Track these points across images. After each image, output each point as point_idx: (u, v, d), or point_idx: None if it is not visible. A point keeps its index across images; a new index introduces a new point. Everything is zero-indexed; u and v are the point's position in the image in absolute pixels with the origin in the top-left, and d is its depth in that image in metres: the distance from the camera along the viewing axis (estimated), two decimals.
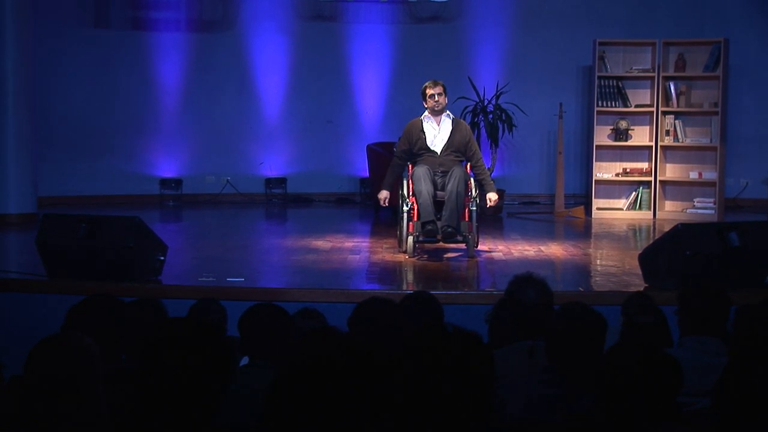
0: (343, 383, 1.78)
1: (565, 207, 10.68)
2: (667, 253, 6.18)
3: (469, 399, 2.02)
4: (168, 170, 11.92)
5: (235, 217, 10.91)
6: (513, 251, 8.04)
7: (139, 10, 11.83)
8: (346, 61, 11.95)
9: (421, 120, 7.91)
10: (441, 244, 7.82)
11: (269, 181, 12.02)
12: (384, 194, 7.97)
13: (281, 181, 12.01)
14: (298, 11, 11.91)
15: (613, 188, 10.84)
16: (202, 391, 2.16)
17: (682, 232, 6.12)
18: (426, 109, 7.89)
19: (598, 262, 7.85)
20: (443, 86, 7.87)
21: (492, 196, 7.78)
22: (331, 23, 11.92)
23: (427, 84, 7.88)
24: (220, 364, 2.19)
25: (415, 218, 7.64)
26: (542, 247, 8.25)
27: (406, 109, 10.85)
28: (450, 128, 7.86)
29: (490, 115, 10.90)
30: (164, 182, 11.85)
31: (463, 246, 7.79)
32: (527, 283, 4.00)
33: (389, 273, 7.20)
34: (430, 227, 7.50)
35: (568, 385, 3.12)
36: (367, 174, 11.40)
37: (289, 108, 12.01)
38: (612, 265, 7.45)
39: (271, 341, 3.46)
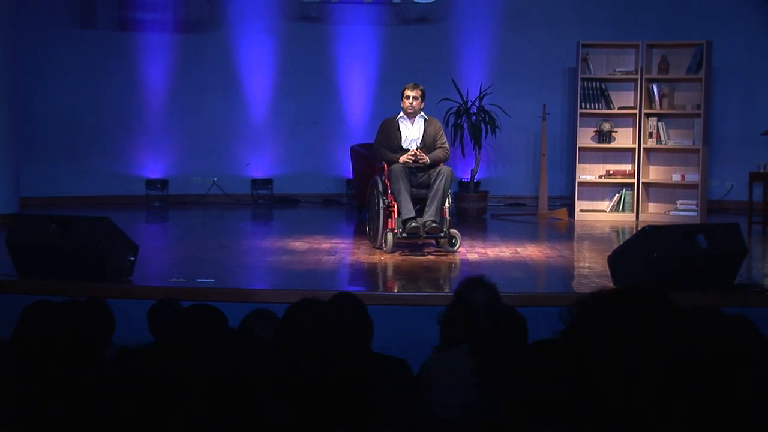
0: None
1: (549, 209, 10.68)
2: (635, 255, 6.19)
3: (345, 402, 2.03)
4: (154, 171, 11.93)
5: (220, 218, 10.92)
6: (489, 253, 8.06)
7: (125, 11, 11.84)
8: (333, 62, 11.96)
9: (397, 120, 8.20)
10: (420, 239, 7.94)
11: (255, 182, 12.03)
12: (403, 158, 7.85)
13: (267, 182, 12.02)
14: (284, 12, 11.92)
15: (596, 190, 10.84)
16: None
17: (649, 234, 6.13)
18: (401, 109, 8.18)
19: (574, 264, 7.85)
20: (422, 91, 8.12)
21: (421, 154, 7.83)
22: (318, 24, 11.93)
23: (407, 85, 8.19)
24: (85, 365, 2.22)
25: (396, 215, 7.73)
26: (519, 249, 8.26)
27: (392, 110, 10.79)
28: (423, 127, 8.15)
29: (474, 117, 10.91)
30: (150, 183, 11.85)
31: (432, 242, 7.99)
32: (476, 286, 4.02)
33: (361, 274, 7.24)
34: (413, 224, 7.62)
35: (491, 388, 3.12)
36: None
37: (275, 109, 12.02)
38: (586, 267, 7.47)
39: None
